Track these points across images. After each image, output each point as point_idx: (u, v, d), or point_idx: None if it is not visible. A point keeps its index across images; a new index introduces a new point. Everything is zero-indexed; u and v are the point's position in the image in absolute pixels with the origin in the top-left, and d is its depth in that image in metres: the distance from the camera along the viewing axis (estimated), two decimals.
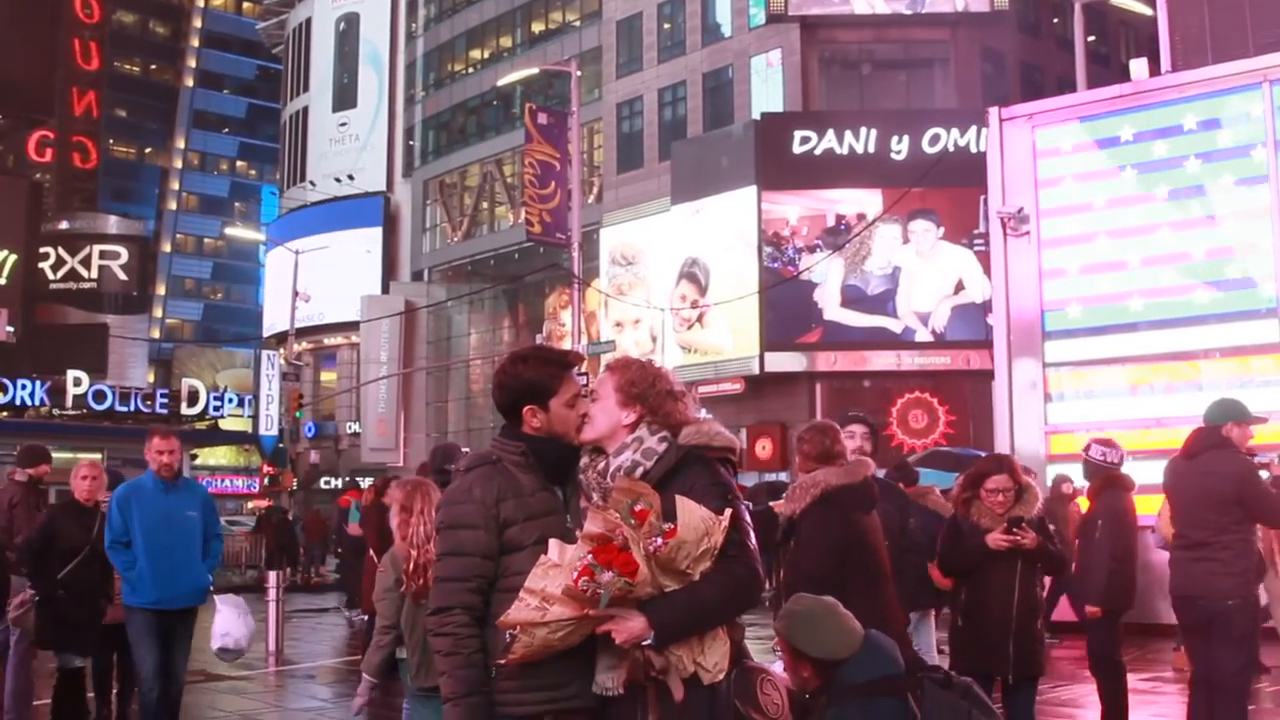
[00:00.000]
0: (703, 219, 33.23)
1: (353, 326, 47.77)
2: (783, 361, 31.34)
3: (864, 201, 30.94)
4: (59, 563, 7.87)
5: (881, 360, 30.87)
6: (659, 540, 3.24)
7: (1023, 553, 6.12)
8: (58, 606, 7.86)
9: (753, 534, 3.48)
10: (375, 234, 49.42)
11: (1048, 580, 7.16)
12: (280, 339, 48.50)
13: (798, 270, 30.31)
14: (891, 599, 5.55)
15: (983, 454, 9.45)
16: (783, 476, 27.53)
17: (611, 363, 3.77)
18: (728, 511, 3.34)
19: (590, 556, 3.23)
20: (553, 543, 3.39)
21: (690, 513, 3.28)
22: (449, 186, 48.17)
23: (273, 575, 14.52)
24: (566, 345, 28.69)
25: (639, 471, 3.50)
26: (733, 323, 32.22)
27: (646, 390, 3.65)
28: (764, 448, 31.50)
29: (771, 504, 6.06)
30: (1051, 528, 6.40)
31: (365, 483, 23.17)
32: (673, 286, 34.15)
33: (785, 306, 31.09)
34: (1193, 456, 6.65)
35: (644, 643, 3.27)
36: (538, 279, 41.30)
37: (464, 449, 8.93)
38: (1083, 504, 9.83)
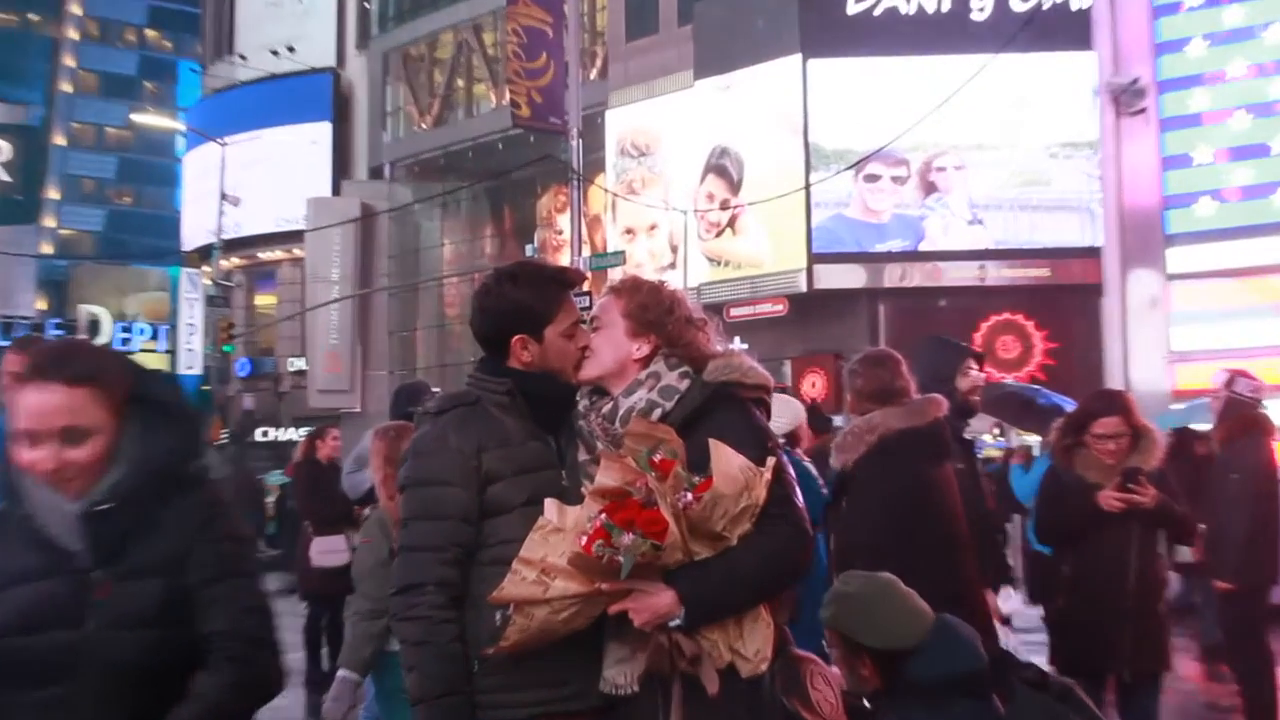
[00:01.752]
0: (734, 97, 32.96)
1: (296, 237, 47.73)
2: (837, 276, 31.20)
3: (937, 71, 30.66)
4: None
5: (960, 272, 30.73)
6: (688, 496, 3.26)
7: (1141, 514, 6.11)
8: None
9: (799, 490, 3.48)
10: (323, 120, 49.23)
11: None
12: (204, 254, 48.54)
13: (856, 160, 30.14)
14: (970, 574, 5.56)
15: (1066, 404, 9.39)
16: (838, 420, 27.53)
17: (616, 284, 3.82)
18: (770, 461, 3.37)
19: (604, 516, 3.25)
20: (550, 502, 3.41)
21: (728, 461, 3.29)
22: (414, 60, 47.83)
23: None
24: (564, 259, 28.63)
25: (656, 414, 3.53)
26: (773, 227, 32.05)
27: (662, 316, 3.69)
28: (813, 384, 31.49)
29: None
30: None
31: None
32: (697, 183, 33.94)
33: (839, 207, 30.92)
34: None
35: (671, 624, 3.26)
36: (527, 175, 41.07)
37: (434, 389, 8.94)
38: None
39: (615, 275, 30.36)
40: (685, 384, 3.58)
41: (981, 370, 6.63)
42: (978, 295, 30.86)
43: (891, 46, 31.07)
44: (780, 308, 31.79)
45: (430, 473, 3.57)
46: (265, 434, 47.60)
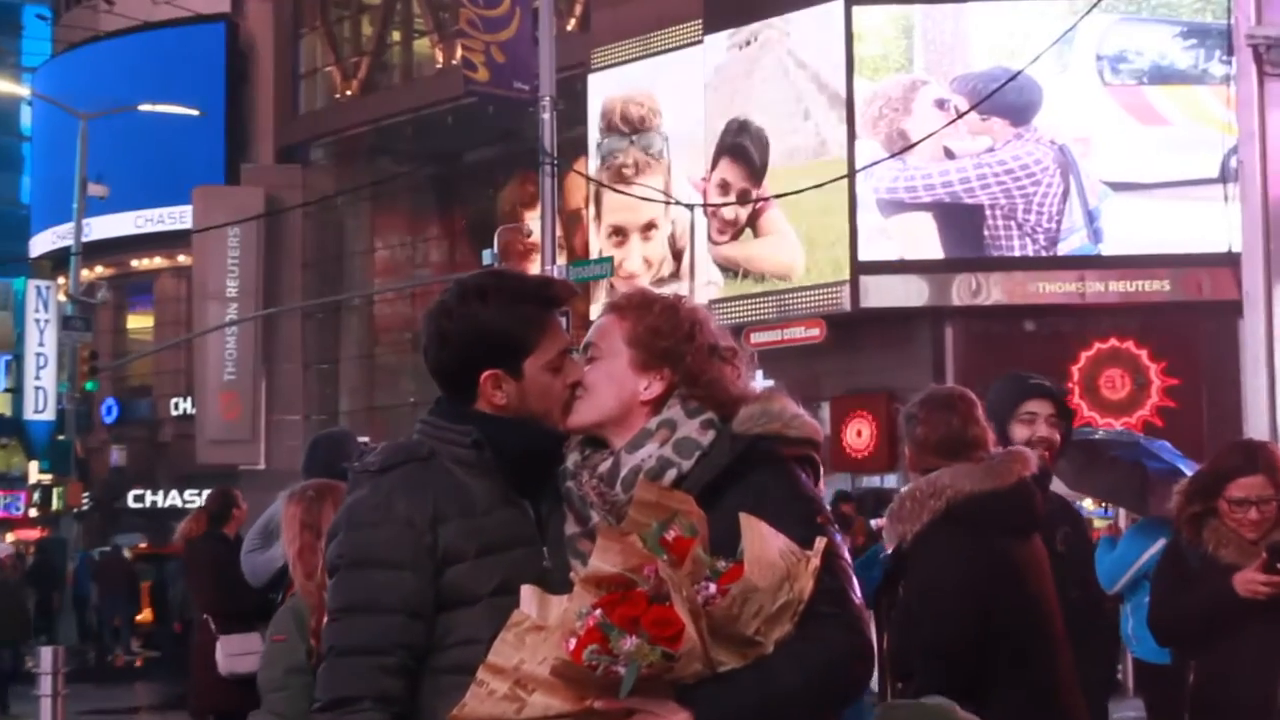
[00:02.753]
0: (755, 55, 33.03)
1: (180, 239, 47.70)
2: (891, 290, 31.25)
3: (1022, 20, 30.76)
4: None
5: (1054, 286, 30.77)
6: (711, 587, 3.24)
7: None
8: None
9: (855, 580, 3.49)
10: (215, 85, 49.25)
11: None
12: (59, 261, 48.38)
13: (910, 138, 30.23)
14: (1068, 682, 5.58)
15: (1183, 464, 9.40)
16: (890, 480, 27.43)
17: (619, 300, 3.79)
18: (819, 543, 3.35)
19: (599, 612, 3.23)
20: (528, 590, 3.40)
21: (764, 542, 3.28)
22: (336, 6, 47.92)
23: (46, 654, 14.50)
24: (534, 269, 28.72)
25: (671, 476, 3.51)
26: (807, 227, 32.09)
27: (680, 345, 3.66)
28: (859, 433, 31.51)
29: (874, 523, 6.08)
30: None
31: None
32: (707, 169, 34.00)
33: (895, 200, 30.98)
34: None
35: None
36: (484, 159, 41.12)
37: (362, 440, 8.94)
38: None
39: (602, 290, 30.44)
40: (709, 437, 3.56)
41: (1055, 414, 6.59)
42: (1076, 316, 30.88)
43: None
44: (816, 332, 31.78)
45: (370, 550, 3.54)
46: (139, 498, 47.48)
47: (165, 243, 49.22)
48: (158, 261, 50.70)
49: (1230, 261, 22.27)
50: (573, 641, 3.20)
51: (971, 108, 28.20)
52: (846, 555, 3.52)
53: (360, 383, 47.03)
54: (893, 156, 30.12)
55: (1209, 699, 6.24)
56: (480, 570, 3.52)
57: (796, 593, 3.28)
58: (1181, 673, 6.40)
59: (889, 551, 5.74)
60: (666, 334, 3.63)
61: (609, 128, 35.96)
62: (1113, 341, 30.43)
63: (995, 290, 30.85)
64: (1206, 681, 6.27)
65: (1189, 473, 7.70)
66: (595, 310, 27.44)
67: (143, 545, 37.56)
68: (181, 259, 48.85)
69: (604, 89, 36.51)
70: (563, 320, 3.83)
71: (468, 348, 3.68)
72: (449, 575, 3.53)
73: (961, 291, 30.99)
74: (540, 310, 3.71)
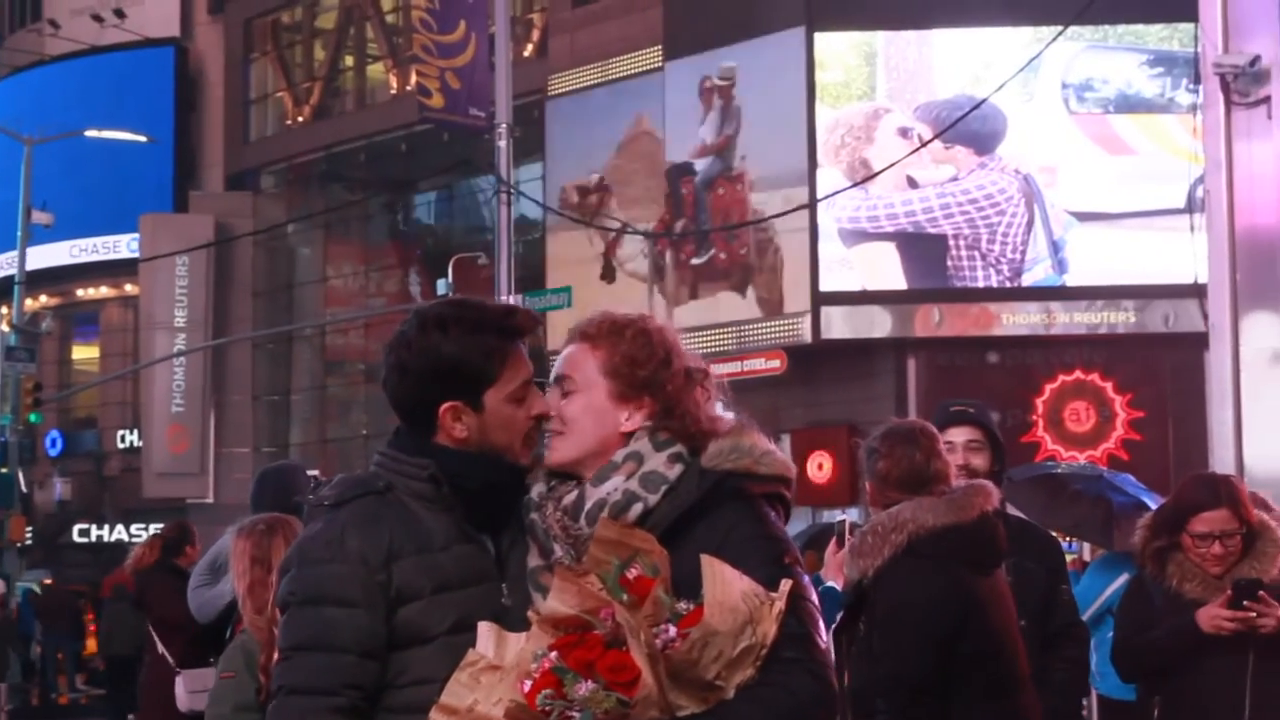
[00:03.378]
0: (714, 82, 33.09)
1: (127, 268, 47.50)
2: (853, 322, 31.29)
3: (986, 48, 30.89)
4: None
5: (1019, 318, 30.84)
6: (671, 630, 3.21)
7: (1259, 640, 6.16)
8: None
9: (822, 623, 3.49)
10: (164, 111, 49.09)
11: None
12: (1, 290, 48.09)
13: (872, 167, 30.27)
14: (1032, 716, 5.61)
15: (1149, 499, 9.43)
16: (852, 514, 27.43)
17: (588, 327, 3.70)
18: (784, 585, 3.32)
19: (555, 655, 3.20)
20: (485, 628, 3.37)
21: (726, 585, 3.24)
22: (287, 30, 47.86)
23: None
24: (499, 299, 28.70)
25: (636, 511, 3.48)
26: (767, 259, 32.15)
27: (657, 371, 3.63)
28: (819, 467, 31.52)
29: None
30: None
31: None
32: (665, 195, 34.02)
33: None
34: None
35: None
36: (440, 186, 41.06)
37: (312, 474, 8.92)
38: None
39: (559, 320, 30.38)
40: (676, 471, 3.51)
41: (981, 439, 6.58)
42: (1041, 347, 30.95)
43: (926, 17, 31.27)
44: (777, 364, 31.80)
45: (322, 588, 3.50)
46: (84, 532, 47.21)
47: (112, 271, 49.01)
48: (104, 291, 50.49)
49: (1197, 293, 22.39)
50: (528, 684, 3.18)
51: (935, 136, 28.29)
52: (814, 598, 3.50)
53: (312, 414, 46.87)
54: (854, 186, 30.19)
55: None
56: (435, 608, 3.49)
57: (759, 636, 3.25)
58: (1146, 709, 6.41)
59: (848, 587, 5.75)
60: (644, 362, 3.59)
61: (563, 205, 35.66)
62: (1078, 373, 30.52)
63: (958, 321, 30.91)
64: (1170, 718, 6.29)
65: (1153, 506, 7.72)
66: (553, 341, 27.42)
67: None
68: (129, 288, 48.63)
69: (563, 117, 36.49)
70: (523, 349, 3.74)
71: (426, 379, 3.64)
72: (403, 614, 3.50)
73: (924, 322, 31.03)
74: (501, 340, 3.66)
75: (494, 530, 3.67)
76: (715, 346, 31.54)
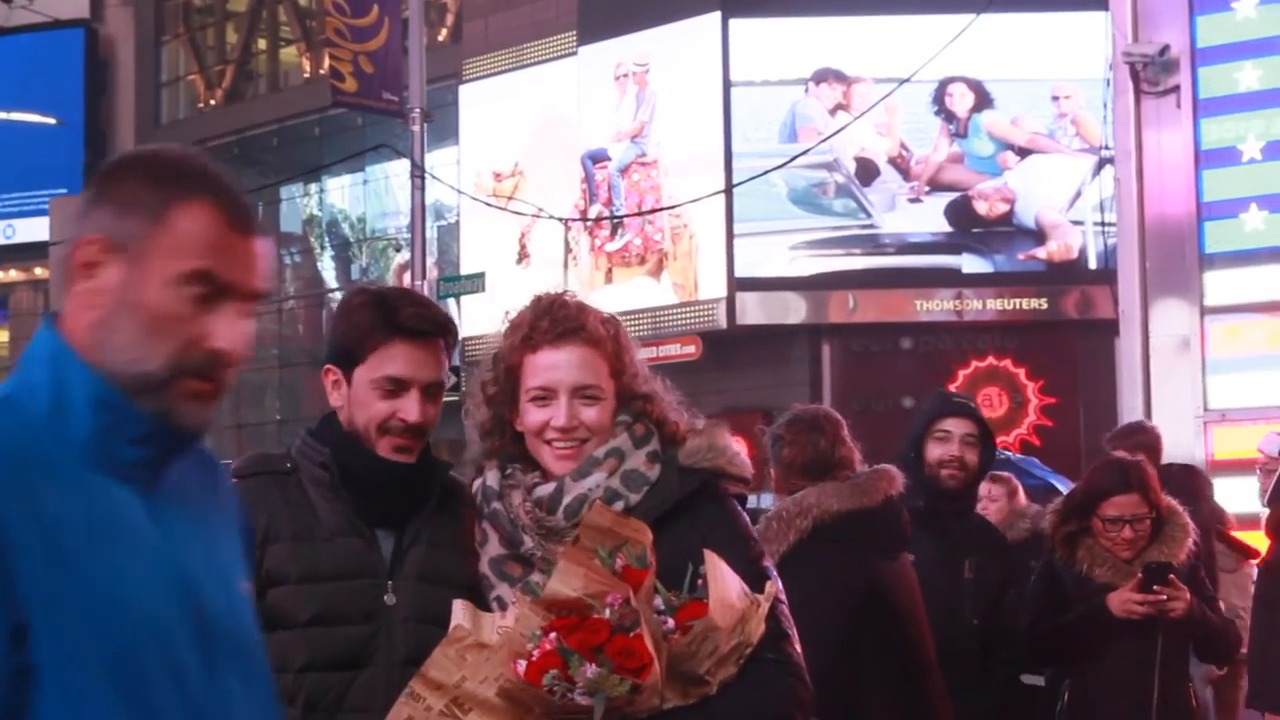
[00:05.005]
0: (629, 67, 33.07)
1: (36, 251, 47.14)
2: (767, 308, 31.33)
3: (896, 37, 30.98)
4: None
5: (932, 304, 30.94)
6: (670, 622, 3.22)
7: (1169, 624, 6.17)
8: None
9: (795, 628, 3.52)
10: (74, 93, 48.77)
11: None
12: None
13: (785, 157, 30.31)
14: (939, 703, 5.58)
15: (1058, 481, 9.46)
16: (765, 500, 27.47)
17: (585, 326, 3.69)
18: (770, 586, 3.38)
19: (555, 635, 3.18)
20: (460, 605, 3.39)
21: (726, 584, 3.26)
22: (199, 13, 47.58)
23: None
24: (406, 282, 28.60)
25: (618, 509, 3.48)
26: (682, 244, 32.16)
27: (621, 356, 3.70)
28: None
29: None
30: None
31: None
32: (580, 181, 34.01)
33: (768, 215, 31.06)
34: None
35: None
36: (354, 170, 40.92)
37: (225, 463, 8.81)
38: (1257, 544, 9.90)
39: (473, 304, 30.31)
40: (655, 470, 3.53)
41: (975, 434, 6.48)
42: (953, 334, 31.07)
43: (836, 3, 31.34)
44: (691, 350, 31.83)
45: None
46: None
47: (21, 255, 48.63)
48: (13, 275, 50.11)
49: (1107, 280, 22.50)
50: (523, 664, 3.16)
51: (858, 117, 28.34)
52: (785, 600, 3.53)
53: (225, 400, 46.57)
54: (766, 173, 30.23)
55: (1080, 715, 6.26)
56: (298, 596, 3.51)
57: (746, 635, 3.27)
58: (1055, 693, 6.42)
59: None
60: (633, 360, 3.69)
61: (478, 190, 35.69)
62: (990, 359, 30.69)
63: (870, 307, 31.01)
64: (1078, 701, 6.29)
65: (1063, 489, 7.75)
66: (470, 327, 27.32)
67: None
68: (39, 272, 48.29)
69: (477, 101, 36.47)
70: (427, 354, 3.74)
71: (328, 339, 3.86)
72: (270, 596, 3.51)
73: (838, 308, 31.14)
74: (382, 326, 3.68)
75: (398, 524, 3.67)
76: (631, 332, 31.20)
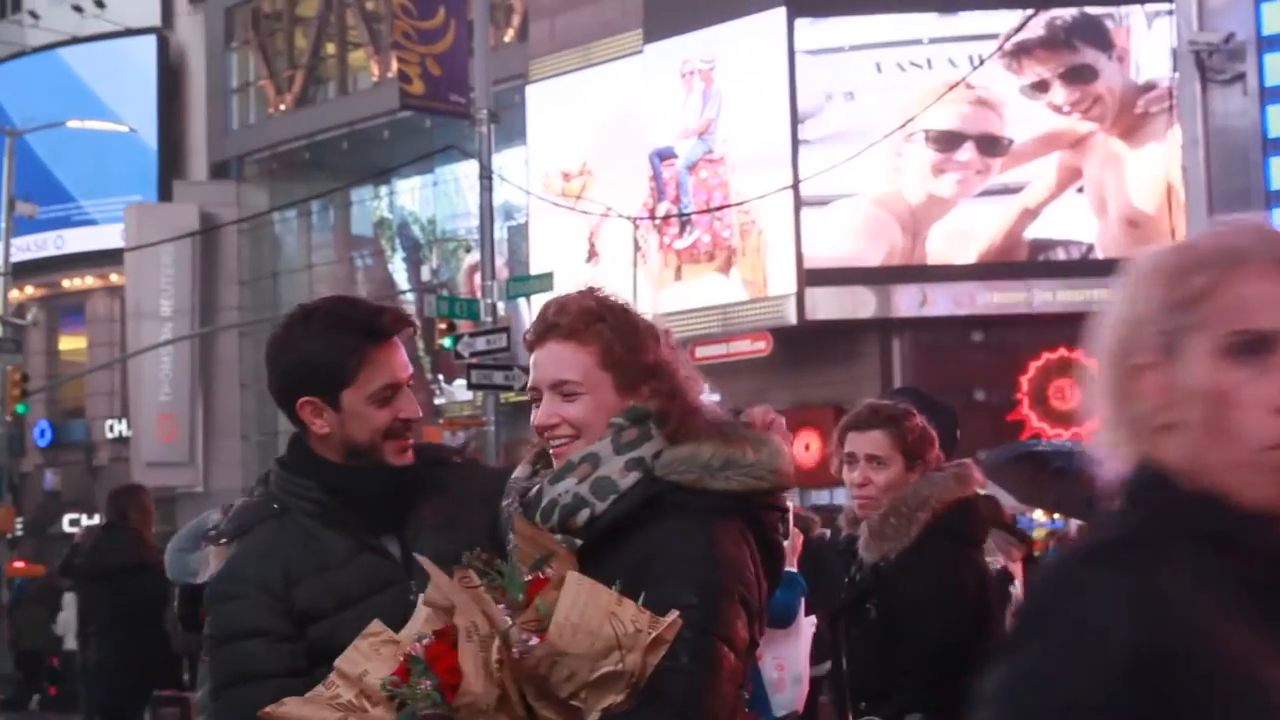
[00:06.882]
0: (696, 65, 33.07)
1: (112, 258, 47.41)
2: (838, 303, 31.23)
3: (958, 30, 30.80)
4: None
5: (1003, 297, 30.79)
6: (534, 640, 3.07)
7: None
8: None
9: (736, 640, 3.25)
10: (146, 101, 49.03)
11: None
12: None
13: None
14: None
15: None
16: (838, 496, 27.28)
17: (558, 321, 3.51)
18: (670, 616, 3.08)
19: (421, 644, 3.16)
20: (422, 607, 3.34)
21: (584, 608, 3.05)
22: (268, 18, 47.77)
23: None
24: (476, 283, 28.50)
25: (584, 516, 3.35)
26: (751, 240, 32.08)
27: (653, 354, 3.50)
28: (807, 447, 31.35)
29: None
30: None
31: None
32: (649, 180, 33.99)
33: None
34: None
35: None
36: (423, 172, 40.99)
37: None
38: None
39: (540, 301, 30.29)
40: (631, 479, 3.34)
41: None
42: (1024, 326, 30.88)
43: (899, 2, 31.32)
44: (762, 346, 31.76)
45: (235, 624, 3.58)
46: (74, 523, 47.03)
47: (97, 262, 48.98)
48: (89, 281, 50.48)
49: None
50: (395, 663, 3.20)
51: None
52: (733, 632, 3.25)
53: None
54: (834, 167, 30.14)
55: None
56: (341, 626, 3.46)
57: (629, 665, 3.04)
58: None
59: (861, 569, 5.54)
60: (640, 347, 3.44)
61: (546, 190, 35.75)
62: (1061, 351, 30.43)
63: (940, 300, 30.95)
64: None
65: None
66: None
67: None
68: (114, 278, 48.61)
69: (544, 102, 36.57)
70: (401, 350, 3.74)
71: (286, 373, 3.72)
72: (312, 633, 3.55)
73: (908, 302, 31.10)
74: (361, 340, 3.65)
75: (397, 528, 3.71)
76: (700, 329, 31.56)
